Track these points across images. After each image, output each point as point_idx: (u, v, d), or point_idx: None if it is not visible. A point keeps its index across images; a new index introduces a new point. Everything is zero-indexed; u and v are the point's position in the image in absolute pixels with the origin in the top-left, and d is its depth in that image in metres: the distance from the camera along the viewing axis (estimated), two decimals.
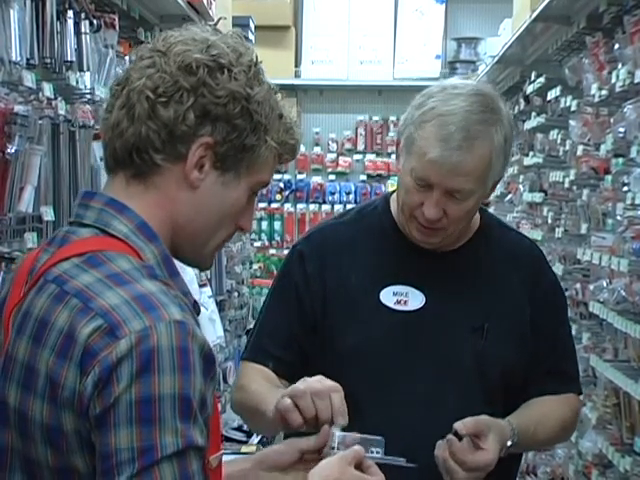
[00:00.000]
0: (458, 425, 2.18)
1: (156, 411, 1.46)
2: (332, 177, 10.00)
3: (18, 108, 2.91)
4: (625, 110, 4.01)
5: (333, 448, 1.84)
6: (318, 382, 1.95)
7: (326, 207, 9.93)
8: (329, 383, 1.95)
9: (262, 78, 1.67)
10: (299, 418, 1.94)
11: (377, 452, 1.88)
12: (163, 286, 1.55)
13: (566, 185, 5.30)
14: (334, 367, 2.30)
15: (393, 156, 9.86)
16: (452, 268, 2.39)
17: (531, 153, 6.28)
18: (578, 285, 4.88)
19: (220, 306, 6.39)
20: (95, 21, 3.72)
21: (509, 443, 2.25)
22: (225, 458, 1.79)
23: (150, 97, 1.60)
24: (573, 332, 2.88)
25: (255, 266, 9.28)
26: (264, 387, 2.29)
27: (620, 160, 4.15)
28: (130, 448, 1.45)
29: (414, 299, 2.36)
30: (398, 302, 2.36)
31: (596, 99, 4.57)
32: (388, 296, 2.36)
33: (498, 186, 8.56)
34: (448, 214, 2.28)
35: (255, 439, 6.66)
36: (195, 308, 1.66)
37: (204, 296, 5.54)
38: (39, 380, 1.52)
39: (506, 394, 2.36)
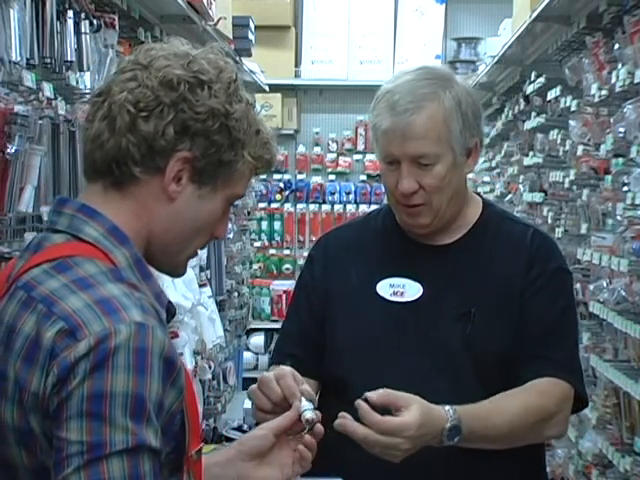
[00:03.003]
0: (369, 393, 2.13)
1: (106, 407, 1.48)
2: (332, 177, 10.00)
3: (18, 108, 2.91)
4: (625, 110, 4.02)
5: (307, 421, 1.86)
6: (280, 369, 2.03)
7: (326, 207, 9.93)
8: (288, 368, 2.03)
9: (241, 94, 1.70)
10: (268, 403, 2.01)
11: None
12: (127, 289, 1.57)
13: (566, 185, 5.30)
14: (335, 359, 2.41)
15: None
16: (449, 260, 2.42)
17: (531, 153, 6.28)
18: (578, 285, 4.87)
19: (220, 306, 6.40)
20: (95, 21, 3.72)
21: (448, 425, 2.17)
22: None
23: (131, 111, 1.63)
24: None
25: (255, 266, 9.28)
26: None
27: (620, 160, 4.16)
28: (80, 441, 1.47)
29: (411, 291, 2.39)
30: (394, 293, 2.40)
31: (596, 99, 4.57)
32: (385, 288, 2.40)
33: (497, 185, 8.43)
34: (424, 185, 2.33)
35: None
36: (170, 309, 1.70)
37: (204, 296, 5.54)
38: (9, 385, 1.55)
39: (504, 379, 2.33)
